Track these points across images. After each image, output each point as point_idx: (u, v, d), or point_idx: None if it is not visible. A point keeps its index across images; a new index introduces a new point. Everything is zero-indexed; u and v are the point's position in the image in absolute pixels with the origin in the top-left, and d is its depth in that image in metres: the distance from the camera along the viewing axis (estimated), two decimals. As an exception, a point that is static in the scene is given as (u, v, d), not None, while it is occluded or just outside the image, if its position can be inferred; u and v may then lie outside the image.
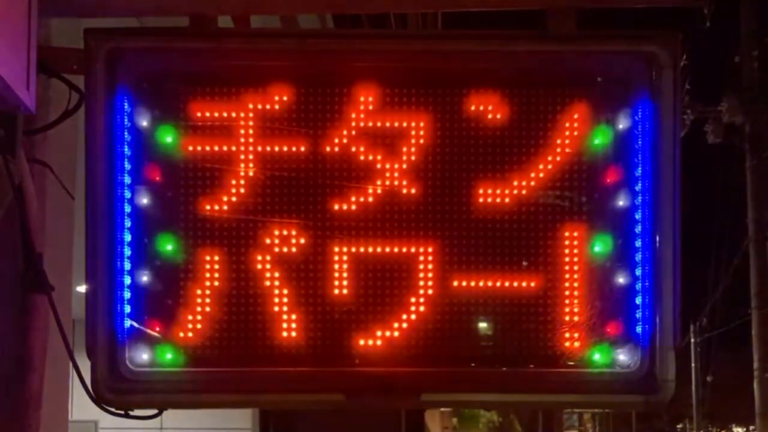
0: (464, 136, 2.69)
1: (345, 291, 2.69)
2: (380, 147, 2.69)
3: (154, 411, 2.75)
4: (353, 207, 2.69)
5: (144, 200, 2.67)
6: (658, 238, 2.65)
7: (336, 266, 2.68)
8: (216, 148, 2.68)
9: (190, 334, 2.68)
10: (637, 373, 2.68)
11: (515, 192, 2.69)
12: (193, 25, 2.72)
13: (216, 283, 2.68)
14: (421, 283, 2.69)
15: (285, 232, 2.69)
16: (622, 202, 2.69)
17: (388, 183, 2.69)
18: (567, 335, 2.70)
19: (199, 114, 2.68)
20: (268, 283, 2.69)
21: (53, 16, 2.83)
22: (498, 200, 2.69)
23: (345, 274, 2.68)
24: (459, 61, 2.73)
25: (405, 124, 2.69)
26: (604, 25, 2.77)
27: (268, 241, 2.68)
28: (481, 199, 2.69)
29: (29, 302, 2.58)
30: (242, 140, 2.68)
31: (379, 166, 2.69)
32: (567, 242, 2.70)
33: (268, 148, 2.69)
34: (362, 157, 2.69)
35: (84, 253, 2.66)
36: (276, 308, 2.69)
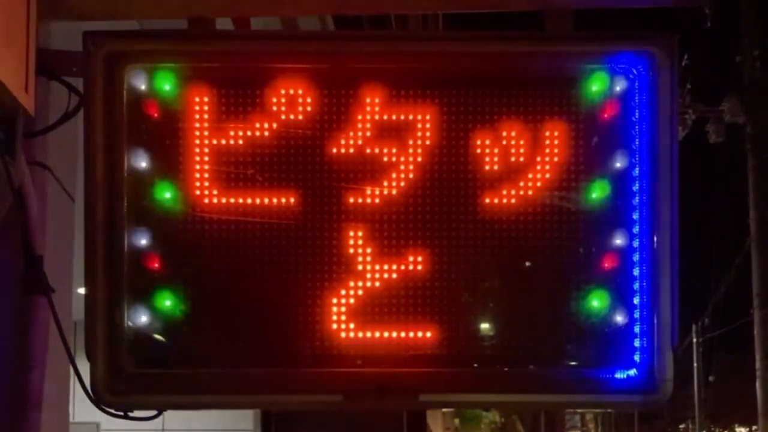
0: (467, 135, 2.70)
1: (343, 291, 2.70)
2: (387, 145, 2.70)
3: (154, 412, 2.76)
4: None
5: (144, 201, 2.68)
6: (655, 238, 2.66)
7: (334, 267, 2.69)
8: (214, 149, 2.69)
9: (189, 335, 2.69)
10: (636, 372, 2.69)
11: (514, 193, 2.70)
12: (192, 28, 2.73)
13: (215, 284, 2.69)
14: (419, 284, 2.70)
15: (286, 234, 2.70)
16: (620, 201, 2.70)
17: (395, 183, 2.70)
18: (566, 335, 2.71)
19: (197, 116, 2.68)
20: (267, 284, 2.69)
21: (53, 19, 2.84)
22: (500, 201, 2.70)
23: (343, 276, 2.69)
24: (458, 61, 2.74)
25: (409, 123, 2.70)
26: (604, 26, 2.77)
27: (266, 244, 2.69)
28: (487, 200, 2.70)
29: (30, 304, 2.60)
30: (241, 141, 2.69)
31: (385, 159, 2.69)
32: (567, 243, 2.71)
33: (268, 150, 2.70)
34: (369, 154, 2.70)
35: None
36: (276, 309, 2.70)
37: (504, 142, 2.70)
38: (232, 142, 2.69)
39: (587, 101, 2.70)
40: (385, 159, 2.70)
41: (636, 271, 2.68)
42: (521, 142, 2.70)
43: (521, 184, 2.70)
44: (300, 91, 2.69)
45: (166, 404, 2.75)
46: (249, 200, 2.69)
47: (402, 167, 2.70)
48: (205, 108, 2.69)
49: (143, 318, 2.68)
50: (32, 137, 2.73)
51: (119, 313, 2.65)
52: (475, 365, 2.71)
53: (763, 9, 16.90)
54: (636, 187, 2.68)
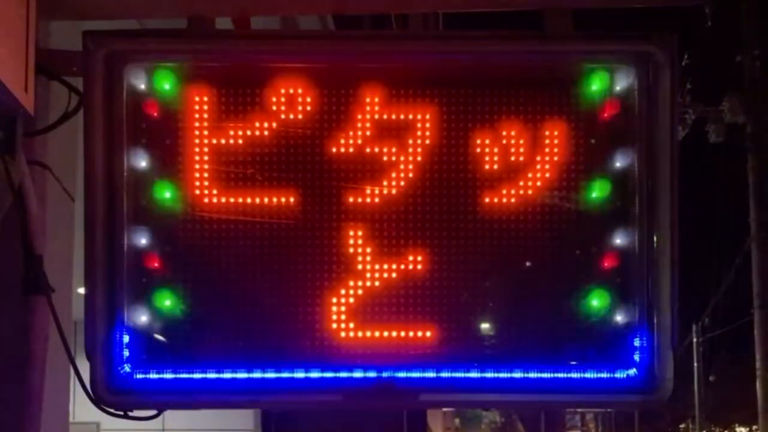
0: (467, 135, 2.70)
1: (342, 291, 2.70)
2: (386, 144, 2.70)
3: (154, 411, 2.76)
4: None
5: (143, 201, 2.68)
6: (656, 238, 2.66)
7: (334, 267, 2.69)
8: (214, 149, 2.69)
9: (189, 335, 2.69)
10: (636, 372, 2.69)
11: (514, 192, 2.70)
12: (191, 27, 2.73)
13: (215, 284, 2.69)
14: (419, 284, 2.70)
15: (286, 234, 2.70)
16: (620, 201, 2.70)
17: (395, 183, 2.70)
18: (566, 335, 2.71)
19: (197, 115, 2.69)
20: (267, 283, 2.69)
21: (53, 19, 2.84)
22: (500, 201, 2.70)
23: (342, 275, 2.70)
24: (458, 61, 2.74)
25: (409, 123, 2.70)
26: (604, 26, 2.78)
27: (266, 244, 2.69)
28: (487, 200, 2.70)
29: (30, 304, 2.59)
30: (240, 141, 2.69)
31: (385, 158, 2.69)
32: (567, 242, 2.71)
33: (268, 149, 2.70)
34: (369, 154, 2.70)
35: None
36: (276, 309, 2.70)
37: (504, 142, 2.70)
38: (231, 141, 2.69)
39: (587, 101, 2.70)
40: (385, 158, 2.70)
41: (636, 271, 2.68)
42: (521, 142, 2.70)
43: (521, 183, 2.71)
44: (300, 91, 2.70)
45: (166, 404, 2.75)
46: (249, 200, 2.69)
47: (402, 167, 2.70)
48: (205, 107, 2.69)
49: (143, 318, 2.68)
50: (32, 137, 2.72)
51: (119, 313, 2.66)
52: (475, 365, 2.71)
53: (763, 9, 16.91)
54: (636, 187, 2.68)
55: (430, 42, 2.83)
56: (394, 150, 2.70)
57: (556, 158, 2.70)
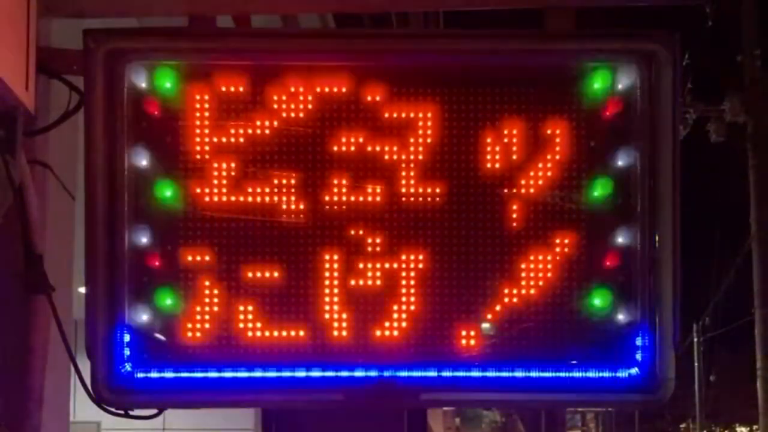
0: (468, 133, 2.70)
1: (344, 290, 2.69)
2: (388, 143, 2.69)
3: (154, 411, 2.76)
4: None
5: (144, 200, 2.67)
6: (657, 238, 2.66)
7: (335, 266, 2.69)
8: (215, 147, 2.68)
9: (189, 334, 2.69)
10: (638, 372, 2.68)
11: (515, 191, 2.70)
12: (192, 26, 2.73)
13: (216, 284, 2.69)
14: (420, 283, 2.69)
15: (286, 233, 2.69)
16: (621, 199, 2.69)
17: (396, 181, 2.69)
18: (568, 334, 2.71)
19: (198, 114, 2.68)
20: (267, 283, 2.69)
21: (53, 17, 2.84)
22: (501, 199, 2.69)
23: (344, 274, 2.69)
24: (460, 59, 2.74)
25: (410, 121, 2.69)
26: (606, 25, 2.77)
27: (267, 243, 2.68)
28: (488, 198, 2.69)
29: (30, 303, 2.59)
30: (242, 139, 2.69)
31: (386, 157, 2.69)
32: (567, 242, 2.70)
33: (269, 148, 2.69)
34: (371, 152, 2.69)
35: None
36: (276, 308, 2.69)
37: (506, 140, 2.70)
38: (232, 140, 2.69)
39: (589, 99, 2.70)
40: (386, 157, 2.70)
41: (638, 270, 2.68)
42: (523, 141, 2.70)
43: (523, 182, 2.70)
44: (301, 89, 2.69)
45: (166, 403, 2.74)
46: (249, 198, 2.69)
47: (403, 165, 2.70)
48: (206, 106, 2.68)
49: (144, 317, 2.68)
50: (33, 136, 2.72)
51: (120, 312, 2.65)
52: (476, 364, 2.70)
53: (763, 9, 16.90)
54: (638, 186, 2.68)
55: (431, 40, 2.83)
56: (395, 149, 2.70)
57: (558, 157, 2.69)
